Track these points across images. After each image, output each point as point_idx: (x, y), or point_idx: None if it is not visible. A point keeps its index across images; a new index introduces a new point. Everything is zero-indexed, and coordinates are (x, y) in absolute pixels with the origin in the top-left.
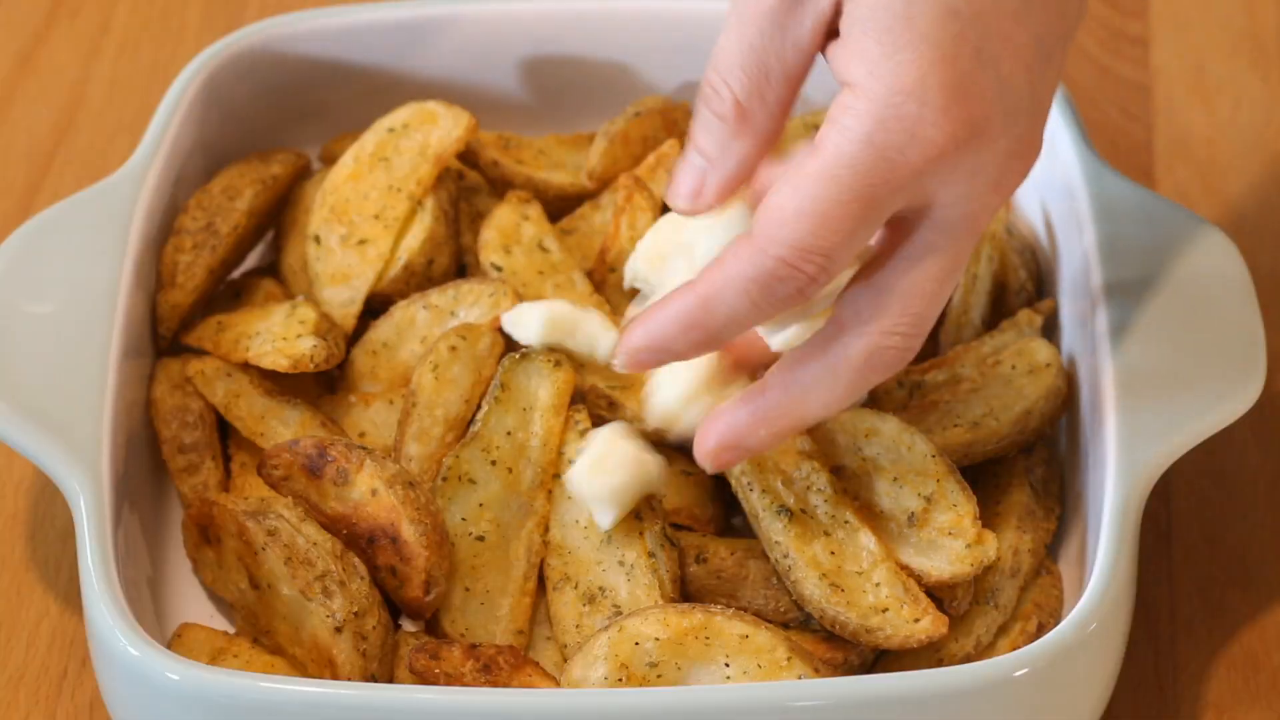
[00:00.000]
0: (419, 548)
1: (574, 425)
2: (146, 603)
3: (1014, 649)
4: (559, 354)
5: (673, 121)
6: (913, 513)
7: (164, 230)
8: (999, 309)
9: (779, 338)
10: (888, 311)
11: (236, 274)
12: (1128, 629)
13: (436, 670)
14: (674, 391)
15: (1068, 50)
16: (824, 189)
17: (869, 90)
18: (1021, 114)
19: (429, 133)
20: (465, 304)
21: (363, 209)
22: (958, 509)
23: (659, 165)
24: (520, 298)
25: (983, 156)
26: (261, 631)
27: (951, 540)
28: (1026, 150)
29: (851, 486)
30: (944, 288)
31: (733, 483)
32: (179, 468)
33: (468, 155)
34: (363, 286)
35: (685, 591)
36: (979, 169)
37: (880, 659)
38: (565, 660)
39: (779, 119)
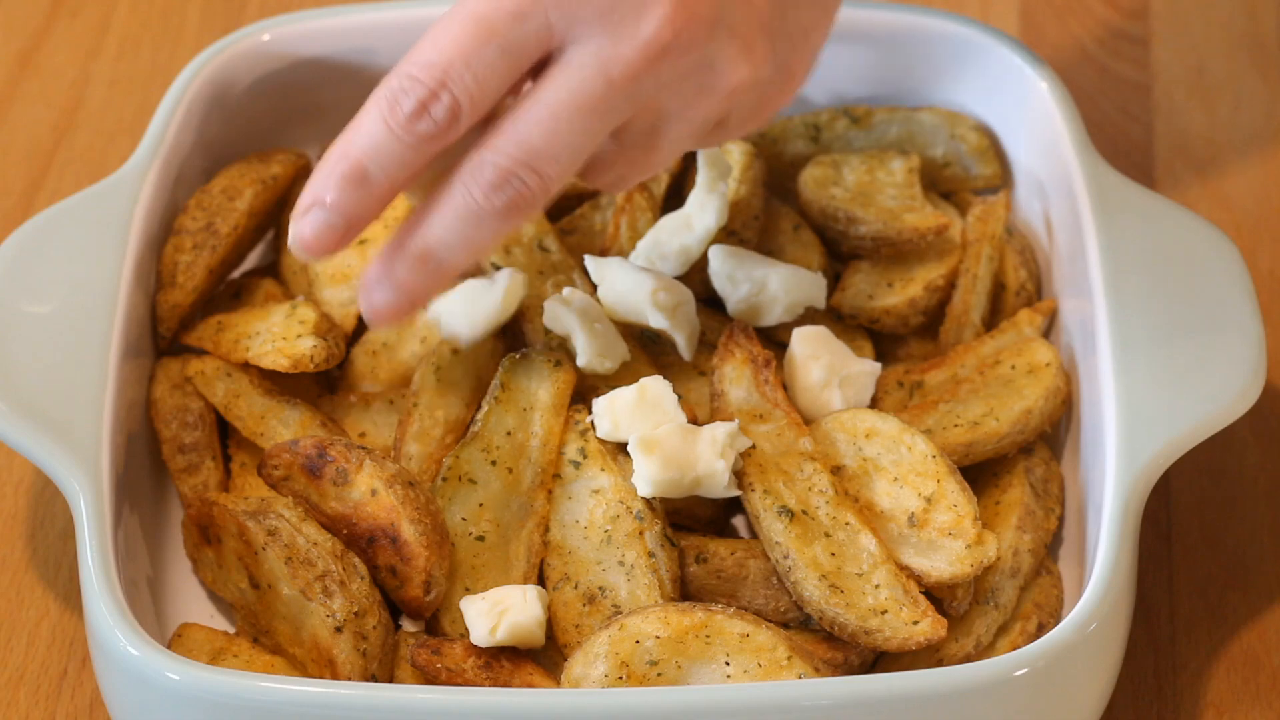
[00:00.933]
0: (419, 548)
1: (574, 425)
2: (146, 603)
3: (1014, 649)
4: (559, 354)
5: None
6: (913, 513)
7: (164, 230)
8: (999, 309)
9: (735, 299)
10: (504, 139)
11: (236, 274)
12: (1128, 629)
13: (439, 665)
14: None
15: None
16: (444, 19)
17: None
18: None
19: None
20: None
21: None
22: (958, 509)
23: None
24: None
25: None
26: (261, 631)
27: (951, 541)
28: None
29: (852, 487)
30: (570, 126)
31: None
32: (179, 468)
33: None
34: None
35: (685, 591)
36: (610, 8)
37: (880, 658)
38: (565, 660)
39: None
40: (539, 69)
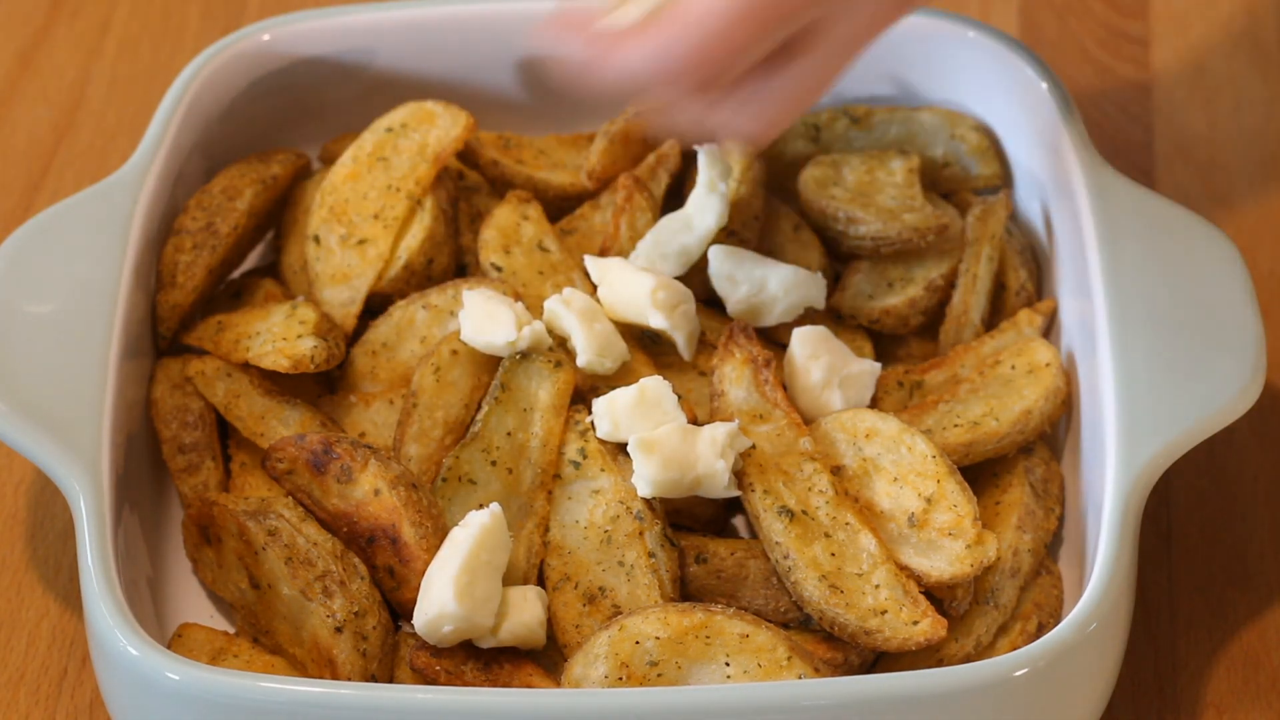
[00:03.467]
0: (419, 550)
1: (574, 425)
2: (146, 603)
3: (1014, 649)
4: (559, 354)
5: None
6: (913, 513)
7: (164, 230)
8: (999, 309)
9: (734, 299)
10: (757, 119)
11: (236, 274)
12: (1128, 629)
13: (438, 667)
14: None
15: None
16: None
17: None
18: None
19: (427, 132)
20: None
21: (362, 209)
22: (958, 509)
23: (659, 165)
24: (520, 298)
25: None
26: (261, 631)
27: (951, 541)
28: None
29: (852, 487)
30: (813, 100)
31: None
32: (179, 468)
33: (467, 155)
34: (363, 286)
35: (685, 591)
36: None
37: (881, 658)
38: (565, 660)
39: None
40: None
